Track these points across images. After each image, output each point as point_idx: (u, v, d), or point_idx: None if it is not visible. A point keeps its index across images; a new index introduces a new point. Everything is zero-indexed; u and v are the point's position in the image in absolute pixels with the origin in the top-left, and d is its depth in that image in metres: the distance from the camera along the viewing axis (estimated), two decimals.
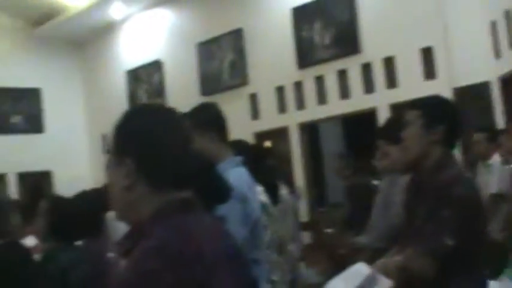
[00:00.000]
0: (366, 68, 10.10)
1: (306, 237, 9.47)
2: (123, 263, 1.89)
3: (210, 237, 1.88)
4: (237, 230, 3.09)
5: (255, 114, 11.69)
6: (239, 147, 4.21)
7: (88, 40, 15.06)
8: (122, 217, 2.01)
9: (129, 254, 1.85)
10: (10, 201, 3.84)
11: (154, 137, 1.92)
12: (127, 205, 1.95)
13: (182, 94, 12.18)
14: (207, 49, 12.36)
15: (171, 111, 2.05)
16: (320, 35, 10.62)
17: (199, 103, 3.92)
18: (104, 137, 14.37)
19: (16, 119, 14.42)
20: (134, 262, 1.79)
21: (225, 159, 3.61)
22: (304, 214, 10.00)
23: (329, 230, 8.17)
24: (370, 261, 3.23)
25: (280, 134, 11.25)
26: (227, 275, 1.85)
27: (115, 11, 13.42)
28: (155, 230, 1.82)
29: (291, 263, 6.16)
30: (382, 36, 9.88)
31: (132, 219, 1.96)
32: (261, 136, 11.37)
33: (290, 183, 8.59)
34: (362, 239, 5.10)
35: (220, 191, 2.86)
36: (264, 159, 5.95)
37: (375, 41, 9.99)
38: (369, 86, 10.10)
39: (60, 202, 4.83)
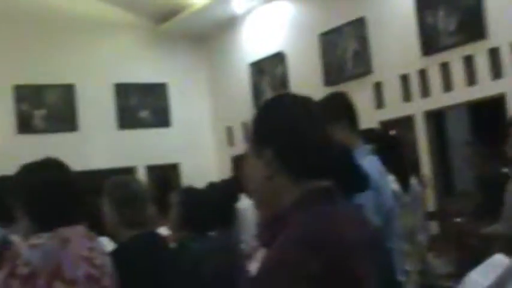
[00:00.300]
0: (493, 53, 9.80)
1: (433, 226, 9.33)
2: (262, 253, 1.91)
3: (350, 225, 1.88)
4: (371, 218, 3.09)
5: (380, 103, 11.56)
6: (370, 136, 4.21)
7: (211, 34, 15.26)
8: (261, 207, 2.03)
9: (268, 245, 1.88)
10: (146, 191, 3.95)
11: (295, 127, 1.93)
12: (267, 195, 1.96)
13: (305, 85, 12.10)
14: (330, 39, 12.31)
15: (309, 101, 2.05)
16: (444, 20, 10.38)
17: (330, 93, 3.93)
18: (228, 130, 14.56)
19: (144, 114, 14.74)
20: (276, 252, 1.80)
21: (356, 148, 3.60)
22: (431, 203, 9.85)
23: (458, 219, 8.02)
24: (506, 250, 3.16)
25: (405, 123, 11.08)
26: (368, 262, 1.85)
27: (237, 5, 13.57)
28: (296, 220, 1.83)
29: (421, 253, 6.11)
30: (509, 20, 9.57)
31: (271, 209, 1.96)
32: (386, 125, 11.22)
33: (417, 171, 8.49)
34: (497, 228, 4.99)
35: (359, 180, 2.86)
36: (394, 147, 5.90)
37: (502, 25, 9.67)
38: (496, 72, 9.79)
39: (192, 193, 4.92)
